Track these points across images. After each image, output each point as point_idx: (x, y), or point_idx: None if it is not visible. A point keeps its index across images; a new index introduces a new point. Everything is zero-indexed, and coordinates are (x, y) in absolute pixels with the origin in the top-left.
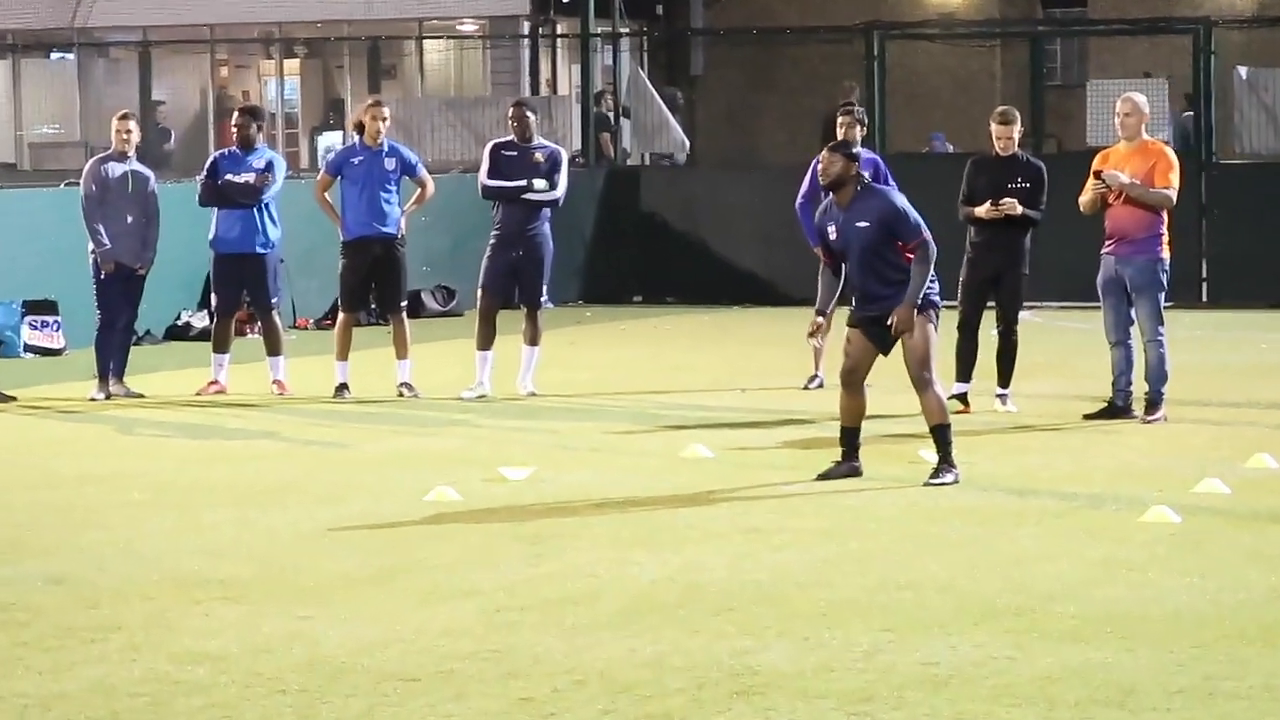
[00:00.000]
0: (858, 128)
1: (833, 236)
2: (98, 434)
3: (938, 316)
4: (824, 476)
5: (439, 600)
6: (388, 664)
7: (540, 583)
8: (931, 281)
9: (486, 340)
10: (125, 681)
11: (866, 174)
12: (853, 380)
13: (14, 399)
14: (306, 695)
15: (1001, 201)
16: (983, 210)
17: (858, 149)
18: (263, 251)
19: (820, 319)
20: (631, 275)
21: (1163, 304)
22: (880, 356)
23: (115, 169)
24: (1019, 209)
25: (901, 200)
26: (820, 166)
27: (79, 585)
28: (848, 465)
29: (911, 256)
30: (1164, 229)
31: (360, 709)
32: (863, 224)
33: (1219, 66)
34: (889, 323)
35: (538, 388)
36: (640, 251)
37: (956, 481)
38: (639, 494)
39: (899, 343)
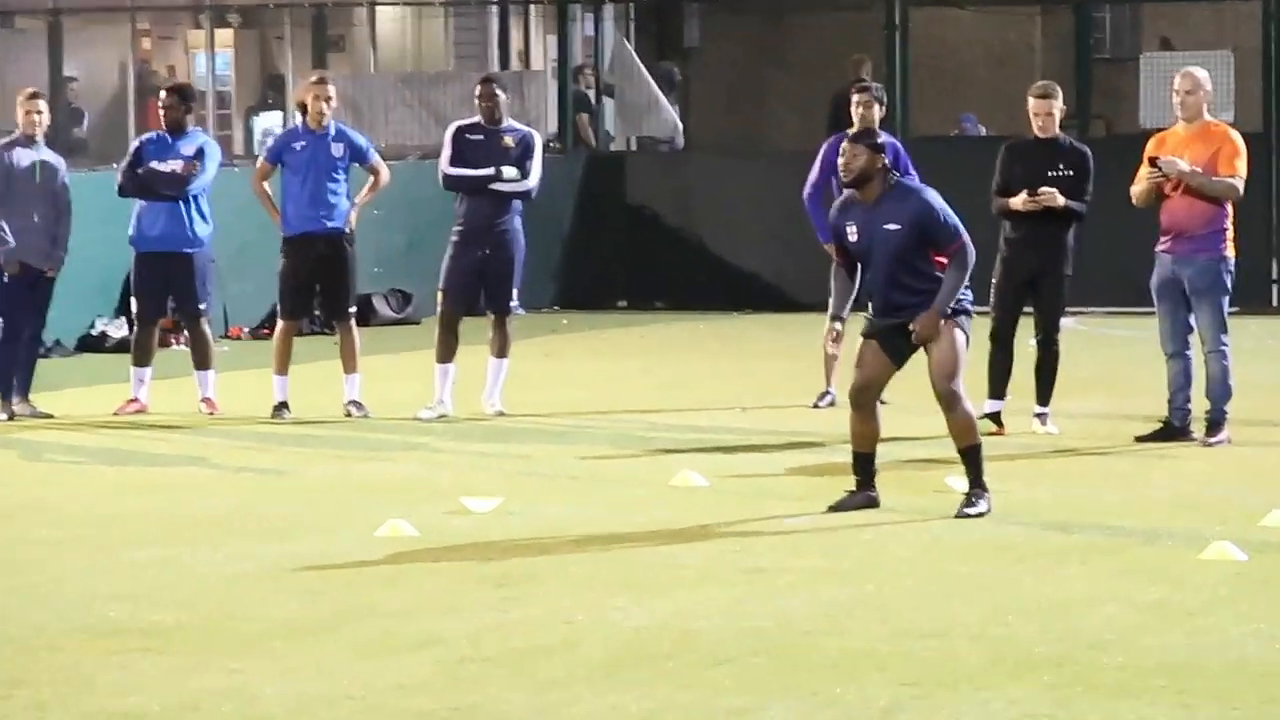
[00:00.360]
0: (875, 108)
1: (853, 238)
2: (0, 460)
3: (969, 324)
4: (836, 508)
5: (392, 651)
6: None
7: (509, 631)
8: (965, 288)
9: (448, 352)
10: None
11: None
12: (864, 400)
13: None
14: None
15: (1040, 191)
16: (1018, 201)
17: (883, 138)
18: (190, 250)
19: (838, 325)
20: (616, 277)
21: (1227, 309)
22: (897, 372)
23: (21, 156)
24: (1060, 200)
25: (938, 200)
26: (841, 161)
27: (9, 636)
28: (863, 495)
29: (944, 262)
30: (1228, 224)
31: None
32: (892, 226)
33: None
34: (910, 328)
35: (506, 406)
36: (626, 250)
37: (989, 511)
38: (623, 529)
39: (918, 355)
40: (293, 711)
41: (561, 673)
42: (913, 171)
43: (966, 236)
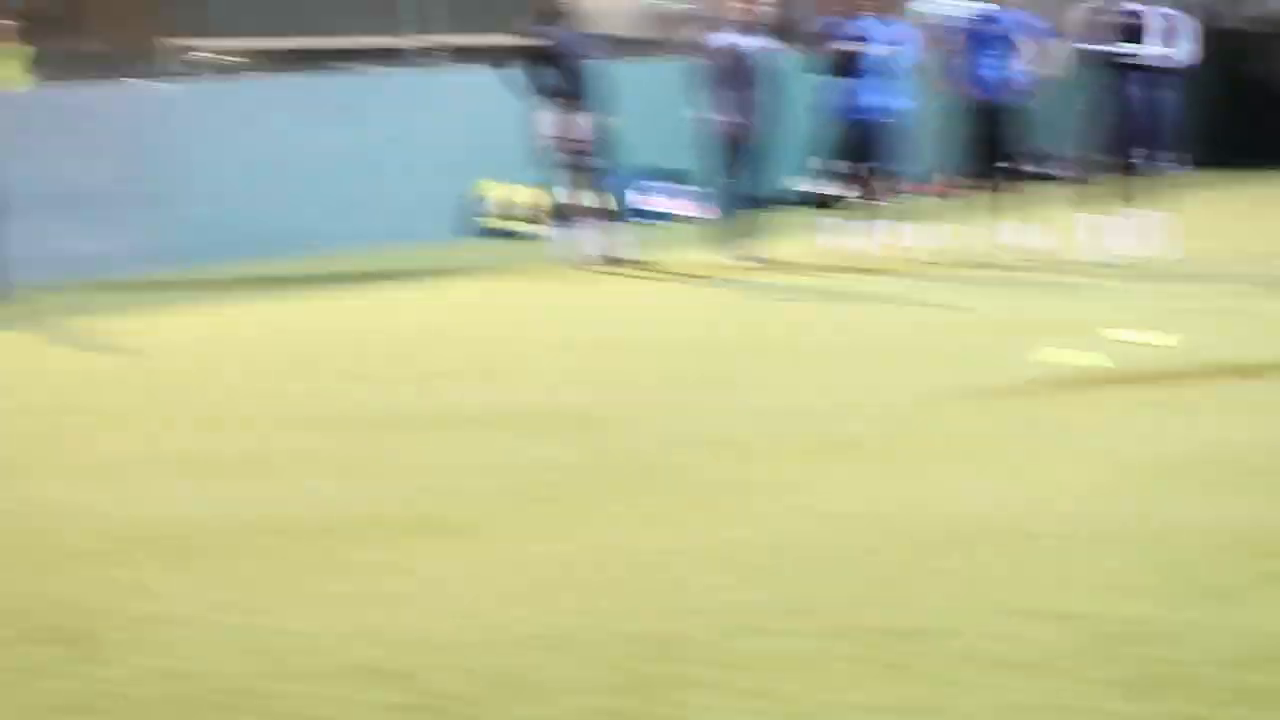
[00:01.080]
0: None
1: None
2: (725, 297)
3: None
4: None
5: (1072, 460)
6: (1018, 522)
7: (1172, 447)
8: None
9: (1111, 204)
10: (764, 533)
11: None
12: None
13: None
14: (928, 551)
15: None
16: None
17: None
18: (887, 120)
19: None
20: (1245, 140)
21: None
22: None
23: (737, 42)
24: None
25: None
26: None
27: (730, 442)
28: None
29: None
30: None
31: (1004, 568)
32: None
33: None
34: None
35: (1159, 252)
36: (1258, 116)
37: None
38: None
39: None
40: (988, 512)
41: (1221, 479)
42: None
43: None
